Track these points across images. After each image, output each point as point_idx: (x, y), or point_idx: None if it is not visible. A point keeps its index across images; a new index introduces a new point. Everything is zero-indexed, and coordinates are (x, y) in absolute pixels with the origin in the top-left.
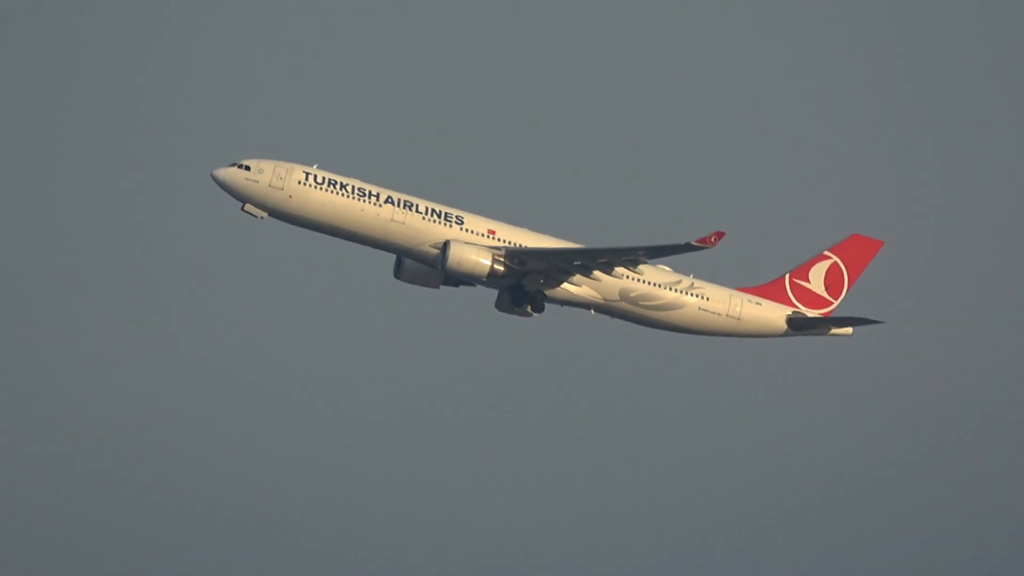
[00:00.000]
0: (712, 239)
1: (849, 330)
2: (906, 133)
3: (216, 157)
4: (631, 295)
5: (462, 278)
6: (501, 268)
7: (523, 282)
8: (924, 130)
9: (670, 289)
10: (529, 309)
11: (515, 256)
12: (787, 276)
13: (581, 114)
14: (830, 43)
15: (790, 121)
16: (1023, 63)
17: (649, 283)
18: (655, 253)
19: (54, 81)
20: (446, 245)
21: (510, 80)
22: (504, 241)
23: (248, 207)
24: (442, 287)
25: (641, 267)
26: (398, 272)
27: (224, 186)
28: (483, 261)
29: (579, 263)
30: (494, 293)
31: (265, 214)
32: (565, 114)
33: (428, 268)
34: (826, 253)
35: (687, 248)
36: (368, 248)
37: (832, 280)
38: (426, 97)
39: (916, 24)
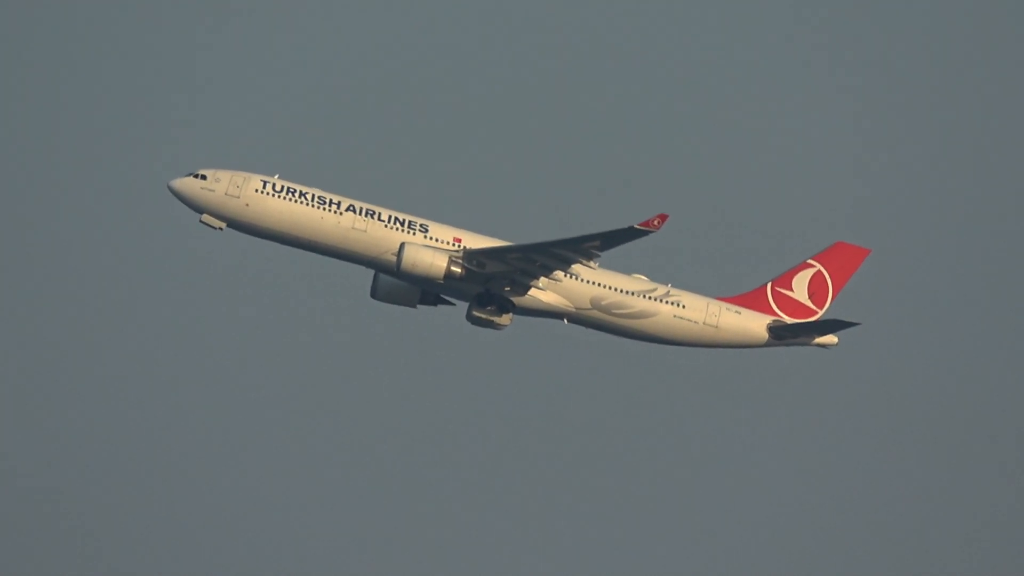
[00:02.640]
0: (656, 222)
1: (834, 339)
2: (895, 139)
3: (178, 169)
4: (603, 303)
5: (419, 282)
6: (459, 270)
7: (489, 287)
8: (913, 136)
9: (644, 297)
10: (496, 311)
11: (473, 258)
12: (769, 285)
13: (556, 123)
14: (816, 49)
15: (774, 127)
16: (1011, 73)
17: (622, 291)
18: (603, 242)
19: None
20: (401, 247)
21: (481, 87)
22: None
23: (206, 217)
24: (419, 306)
25: (616, 276)
26: (374, 291)
27: (180, 196)
28: (438, 263)
29: (536, 261)
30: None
31: (224, 224)
32: (539, 123)
33: (404, 286)
34: (810, 261)
35: (632, 233)
36: (347, 267)
37: (816, 289)
38: (396, 108)
39: (903, 31)
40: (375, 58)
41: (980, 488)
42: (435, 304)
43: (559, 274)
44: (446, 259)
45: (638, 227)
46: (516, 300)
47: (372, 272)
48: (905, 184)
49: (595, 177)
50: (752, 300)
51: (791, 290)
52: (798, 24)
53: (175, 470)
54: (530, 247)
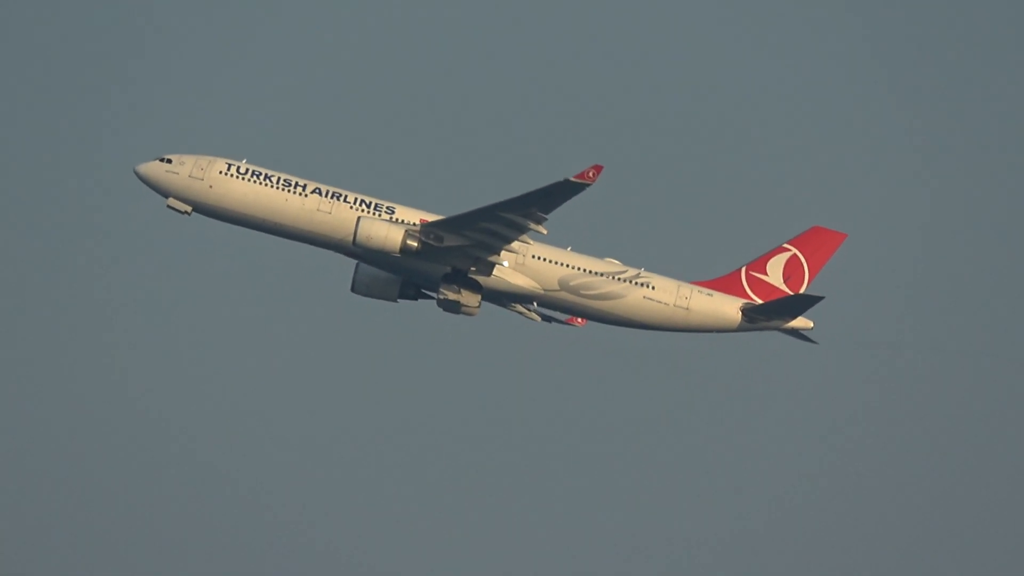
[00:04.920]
0: (591, 174)
1: (809, 324)
2: (875, 124)
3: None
4: (571, 284)
5: (377, 257)
6: (415, 243)
7: (454, 266)
8: (893, 122)
9: (614, 279)
10: (461, 289)
11: (429, 231)
12: (743, 269)
13: (533, 113)
14: (795, 36)
15: (753, 114)
16: (993, 60)
17: (591, 272)
18: (544, 199)
19: None
20: (357, 220)
21: (462, 78)
22: None
23: (172, 201)
24: (399, 300)
25: (587, 258)
26: (354, 286)
27: (145, 180)
28: (393, 235)
29: (488, 228)
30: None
31: (190, 209)
32: (515, 113)
33: (384, 279)
34: (785, 245)
35: (569, 187)
36: (329, 261)
37: (791, 272)
38: (370, 99)
39: (882, 16)
40: (352, 51)
41: (960, 483)
42: (415, 298)
43: (520, 248)
44: (402, 232)
45: (573, 179)
46: (483, 281)
47: (353, 264)
48: (885, 170)
49: (571, 166)
50: (726, 284)
51: (766, 274)
52: (782, 13)
53: (140, 464)
54: (476, 211)
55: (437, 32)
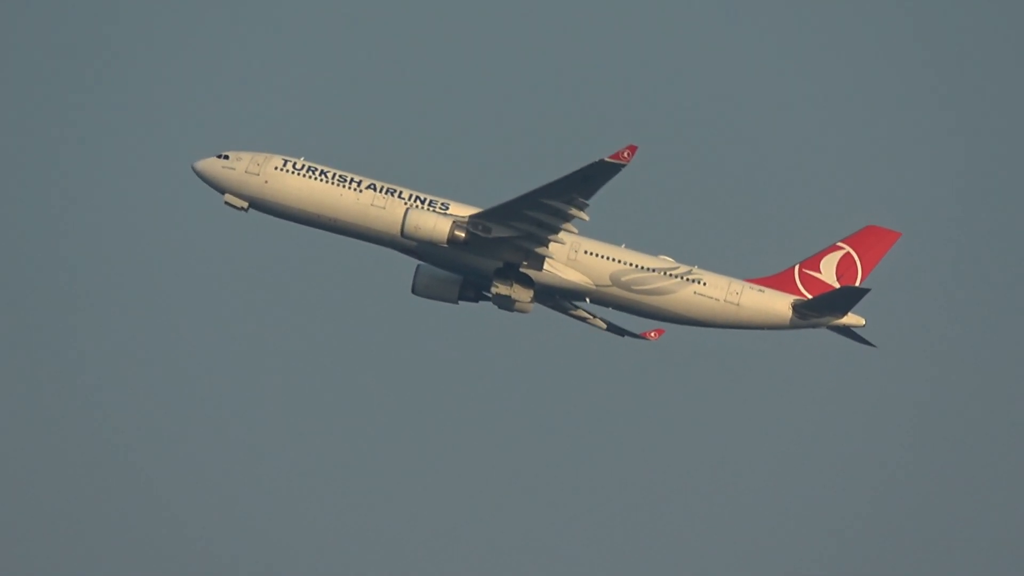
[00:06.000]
0: (625, 154)
1: (861, 320)
2: (928, 123)
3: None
4: (622, 279)
5: (425, 249)
6: (462, 234)
7: (506, 260)
8: (947, 120)
9: (665, 275)
10: (513, 283)
11: (477, 222)
12: (797, 267)
13: (583, 107)
14: (845, 30)
15: (806, 109)
16: None
17: (642, 268)
18: (581, 182)
19: (32, 73)
20: (405, 212)
21: (512, 72)
22: None
23: (228, 197)
24: (460, 302)
25: (639, 255)
26: (414, 287)
27: (202, 176)
28: (441, 226)
29: (532, 217)
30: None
31: (246, 204)
32: (568, 107)
33: (444, 279)
34: (839, 244)
35: (604, 168)
36: (390, 263)
37: (844, 271)
38: (425, 96)
39: (932, 11)
40: (405, 47)
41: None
42: (475, 300)
43: (572, 243)
44: (449, 223)
45: (607, 160)
46: (535, 275)
47: (414, 266)
48: (939, 168)
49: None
50: (779, 282)
51: (819, 272)
52: (828, 6)
53: (190, 465)
54: (518, 198)
55: (475, 30)
